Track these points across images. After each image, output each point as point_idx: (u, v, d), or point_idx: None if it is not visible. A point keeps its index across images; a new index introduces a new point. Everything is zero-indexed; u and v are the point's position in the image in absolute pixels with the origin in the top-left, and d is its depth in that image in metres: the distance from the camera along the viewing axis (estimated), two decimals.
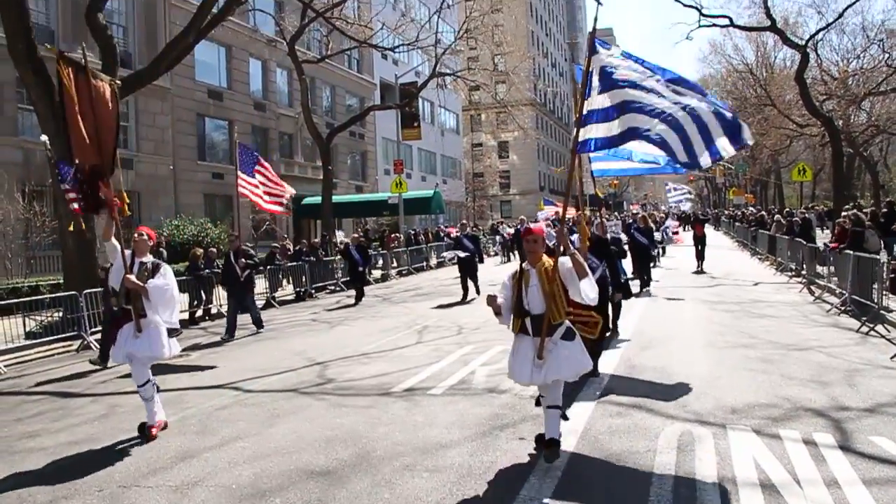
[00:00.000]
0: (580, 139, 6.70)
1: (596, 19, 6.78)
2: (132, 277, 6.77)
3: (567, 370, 5.54)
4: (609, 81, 6.66)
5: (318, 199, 32.47)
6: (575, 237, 8.91)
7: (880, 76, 37.30)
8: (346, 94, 44.34)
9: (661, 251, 23.63)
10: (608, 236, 10.32)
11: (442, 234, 36.98)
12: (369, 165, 46.89)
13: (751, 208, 48.16)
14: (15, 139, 21.94)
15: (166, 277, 6.95)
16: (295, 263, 21.28)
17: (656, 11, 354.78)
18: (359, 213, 40.11)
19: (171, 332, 7.08)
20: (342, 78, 43.27)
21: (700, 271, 22.31)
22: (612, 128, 6.63)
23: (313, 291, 21.37)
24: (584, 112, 6.78)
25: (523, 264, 5.79)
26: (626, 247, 14.54)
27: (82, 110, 6.87)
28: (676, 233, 28.72)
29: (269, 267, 20.23)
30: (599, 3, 6.96)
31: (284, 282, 21.61)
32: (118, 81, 7.54)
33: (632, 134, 6.54)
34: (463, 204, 63.52)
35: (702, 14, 30.27)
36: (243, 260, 14.18)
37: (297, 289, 21.04)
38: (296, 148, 38.42)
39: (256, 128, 35.33)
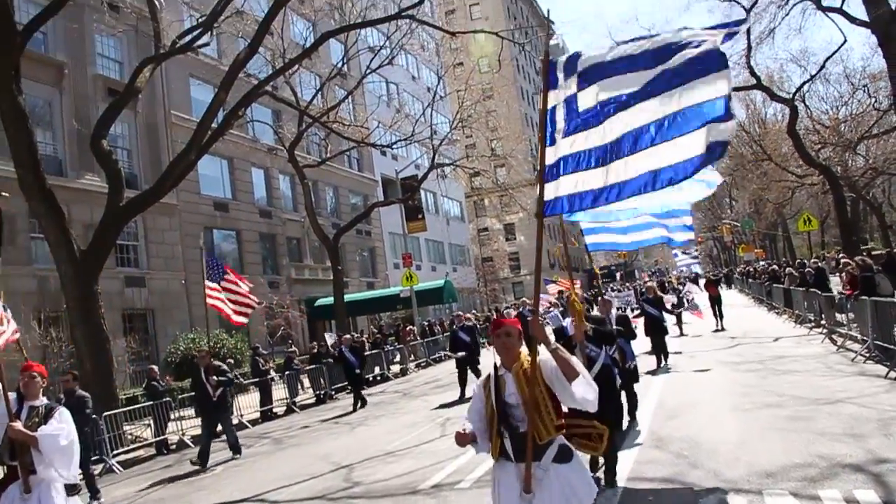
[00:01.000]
0: (546, 198, 4.97)
1: (549, 34, 5.08)
2: (18, 425, 5.56)
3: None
4: (574, 118, 4.98)
5: (330, 300, 32.62)
6: (567, 321, 8.40)
7: (871, 119, 37.80)
8: (349, 194, 45.07)
9: (678, 317, 23.12)
10: (613, 313, 9.73)
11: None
12: (378, 261, 47.21)
13: (762, 263, 48.06)
14: (28, 268, 22.27)
15: (61, 422, 5.74)
16: (312, 366, 21.28)
17: None
18: (372, 310, 40.16)
19: (70, 490, 5.75)
20: (344, 178, 44.11)
21: (720, 329, 22.33)
22: (589, 179, 4.91)
23: (333, 393, 21.24)
24: (549, 163, 4.99)
25: (497, 367, 4.48)
26: (636, 322, 13.58)
27: None
28: (692, 297, 28.44)
29: (287, 372, 20.27)
30: (550, 22, 5.29)
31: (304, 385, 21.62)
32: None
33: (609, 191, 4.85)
34: (475, 290, 63.55)
35: None
36: (214, 378, 13.05)
37: (317, 392, 20.92)
38: (304, 251, 38.83)
39: (264, 235, 35.79)
